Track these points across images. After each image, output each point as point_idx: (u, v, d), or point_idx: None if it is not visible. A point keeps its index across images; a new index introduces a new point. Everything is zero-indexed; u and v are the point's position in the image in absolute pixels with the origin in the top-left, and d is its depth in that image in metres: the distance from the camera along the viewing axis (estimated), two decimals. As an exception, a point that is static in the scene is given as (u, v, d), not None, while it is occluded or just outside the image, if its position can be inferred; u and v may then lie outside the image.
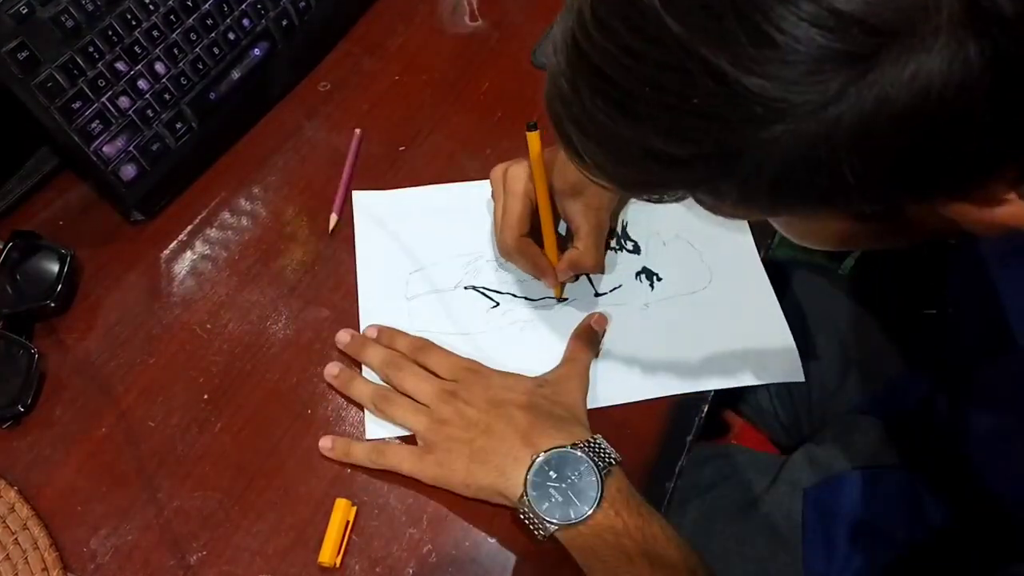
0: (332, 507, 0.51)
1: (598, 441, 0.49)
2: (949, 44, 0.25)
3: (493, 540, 0.51)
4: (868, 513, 0.60)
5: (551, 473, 0.48)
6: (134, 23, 0.62)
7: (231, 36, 0.67)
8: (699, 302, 0.61)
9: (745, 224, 0.64)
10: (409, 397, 0.54)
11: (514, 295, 0.61)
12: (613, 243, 0.64)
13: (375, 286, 0.62)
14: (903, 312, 0.71)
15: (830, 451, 0.65)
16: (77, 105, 0.59)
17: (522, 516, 0.48)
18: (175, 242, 0.65)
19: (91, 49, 0.60)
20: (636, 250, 0.63)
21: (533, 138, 0.54)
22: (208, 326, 0.60)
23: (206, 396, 0.57)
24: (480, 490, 0.51)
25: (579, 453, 0.48)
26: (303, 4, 0.72)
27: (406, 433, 0.55)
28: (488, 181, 0.62)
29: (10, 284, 0.59)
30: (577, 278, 0.62)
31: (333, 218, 0.65)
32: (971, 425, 0.52)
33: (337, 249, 0.64)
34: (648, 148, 0.30)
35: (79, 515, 0.52)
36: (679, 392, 0.57)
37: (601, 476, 0.47)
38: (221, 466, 0.54)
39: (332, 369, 0.57)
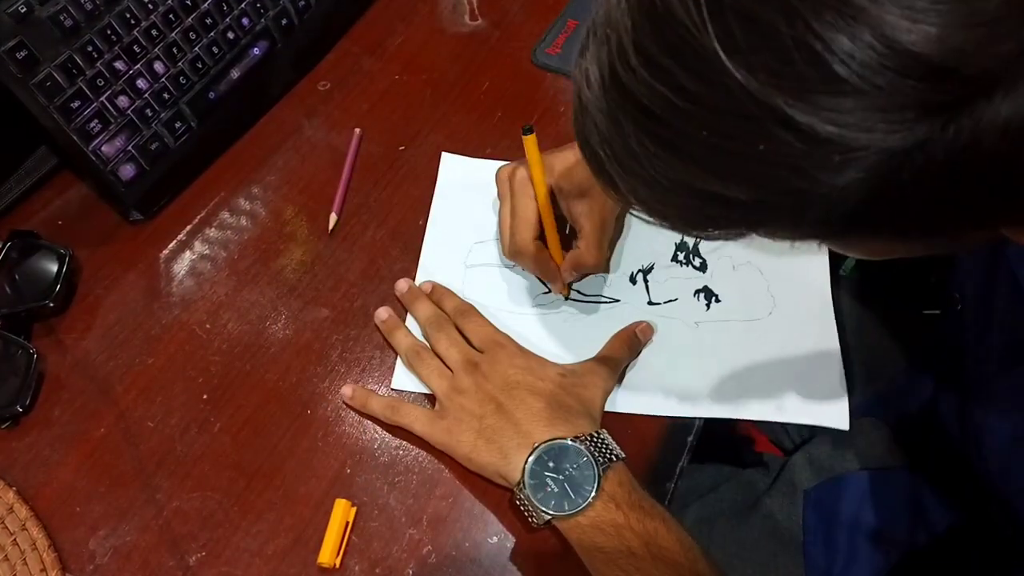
0: (332, 508, 0.51)
1: (601, 436, 0.50)
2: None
3: (493, 540, 0.51)
4: (869, 515, 0.60)
5: (549, 463, 0.48)
6: (133, 22, 0.62)
7: (230, 35, 0.67)
8: (754, 330, 0.59)
9: (823, 254, 0.63)
10: (440, 360, 0.56)
11: (570, 287, 0.61)
12: (681, 256, 0.63)
13: (439, 246, 0.64)
14: (905, 312, 0.71)
15: (831, 452, 0.65)
16: (76, 104, 0.59)
17: (518, 502, 0.49)
18: (174, 242, 0.65)
19: (90, 48, 0.60)
20: (702, 268, 0.62)
21: (530, 142, 0.54)
22: (207, 326, 0.60)
23: (205, 396, 0.57)
24: (481, 467, 0.51)
25: (579, 446, 0.48)
26: (303, 3, 0.72)
27: (428, 391, 0.56)
28: None
29: (9, 284, 0.59)
30: (582, 278, 0.62)
31: (333, 218, 0.65)
32: (989, 430, 0.52)
33: (337, 249, 0.64)
34: (704, 191, 0.29)
35: (78, 516, 0.52)
36: (705, 416, 0.56)
37: (599, 470, 0.48)
38: (220, 466, 0.54)
39: (382, 313, 0.59)
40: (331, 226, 0.65)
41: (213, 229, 0.66)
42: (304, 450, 0.55)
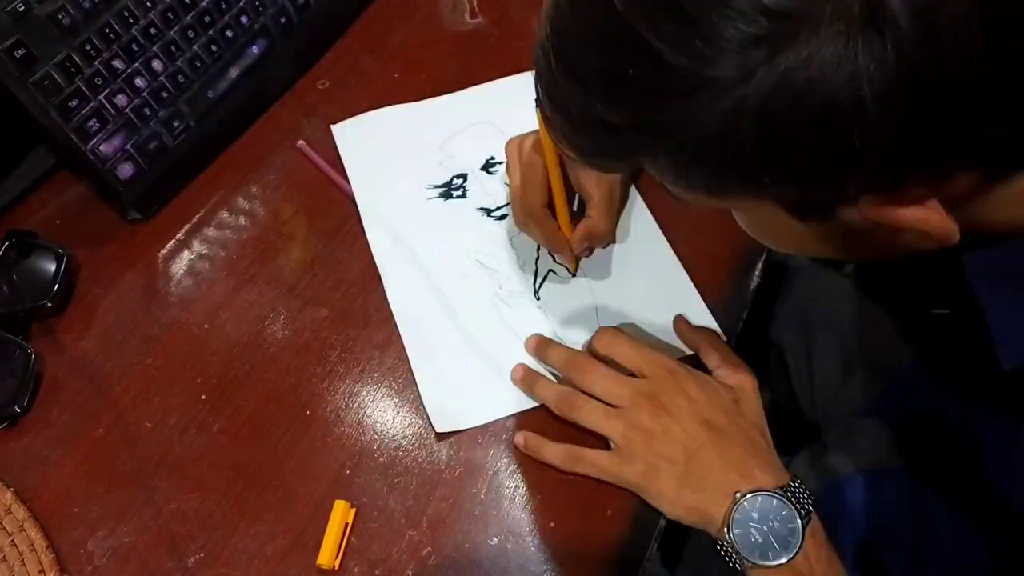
0: (331, 509, 0.51)
1: (798, 485, 0.49)
2: (840, 37, 0.27)
3: (494, 542, 0.51)
4: (873, 518, 0.60)
5: (754, 515, 0.48)
6: (131, 20, 0.62)
7: (229, 33, 0.67)
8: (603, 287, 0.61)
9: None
10: (598, 399, 0.53)
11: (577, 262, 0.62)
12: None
13: (381, 209, 0.65)
14: (909, 311, 0.70)
15: (833, 454, 0.65)
16: (74, 103, 0.59)
17: (718, 546, 0.49)
18: (173, 241, 0.65)
19: (88, 47, 0.60)
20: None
21: (540, 113, 0.55)
22: (206, 326, 0.60)
23: (204, 397, 0.57)
24: (685, 511, 0.50)
25: (784, 501, 0.48)
26: (302, 1, 0.72)
27: (471, 425, 0.55)
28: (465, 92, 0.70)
29: (7, 284, 0.59)
30: (591, 253, 0.62)
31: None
32: (990, 433, 0.52)
33: (336, 248, 0.64)
34: (594, 114, 0.33)
35: (76, 516, 0.52)
36: None
37: (803, 524, 0.47)
38: (219, 467, 0.54)
39: (517, 372, 0.56)
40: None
41: (212, 228, 0.66)
42: (303, 451, 0.55)
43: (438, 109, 0.71)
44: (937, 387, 0.63)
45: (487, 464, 0.54)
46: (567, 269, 0.62)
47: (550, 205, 0.60)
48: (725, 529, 0.48)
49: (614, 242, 0.62)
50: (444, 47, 0.77)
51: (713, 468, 0.50)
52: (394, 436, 0.55)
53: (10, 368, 0.56)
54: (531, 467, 0.54)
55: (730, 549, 0.48)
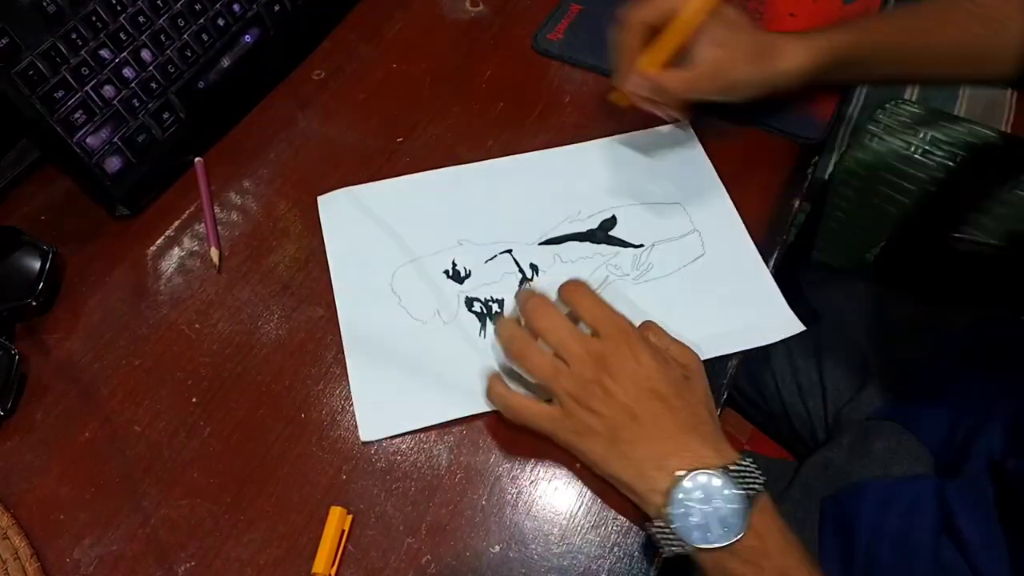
0: (326, 515, 0.51)
1: (746, 464, 0.48)
2: None
3: (495, 550, 0.51)
4: (890, 525, 0.60)
5: (695, 492, 0.47)
6: (119, 8, 0.61)
7: (220, 22, 0.67)
8: (685, 276, 0.61)
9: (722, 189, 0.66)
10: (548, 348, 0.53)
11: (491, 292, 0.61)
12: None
13: (354, 290, 0.62)
14: (927, 311, 0.70)
15: (847, 457, 0.65)
16: (59, 94, 0.59)
17: (655, 529, 0.48)
18: (162, 238, 0.65)
19: (74, 36, 0.59)
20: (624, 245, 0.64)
21: None
22: (196, 326, 0.60)
23: (194, 399, 0.57)
24: (611, 478, 0.51)
25: (727, 479, 0.47)
26: (296, -11, 0.72)
27: (401, 432, 0.55)
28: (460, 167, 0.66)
29: (-10, 282, 0.59)
30: (646, 101, 0.61)
31: (214, 253, 0.63)
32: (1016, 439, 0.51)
33: (332, 245, 0.64)
34: None
35: (62, 524, 0.52)
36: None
37: (749, 504, 0.47)
38: (210, 473, 0.54)
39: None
40: (216, 262, 0.63)
41: (203, 225, 0.65)
42: (298, 455, 0.55)
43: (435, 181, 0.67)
44: (959, 388, 0.63)
45: (489, 469, 0.54)
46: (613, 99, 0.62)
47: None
48: (665, 510, 0.47)
49: (682, 119, 0.62)
50: (443, 36, 0.77)
51: (650, 437, 0.49)
52: (392, 440, 0.55)
53: (-7, 369, 0.56)
54: (534, 472, 0.54)
55: (666, 530, 0.47)
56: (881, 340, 0.70)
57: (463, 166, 0.67)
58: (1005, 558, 0.55)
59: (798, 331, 0.58)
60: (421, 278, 0.62)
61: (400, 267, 0.62)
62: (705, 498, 0.47)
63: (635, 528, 0.52)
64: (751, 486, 0.47)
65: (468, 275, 0.62)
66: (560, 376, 0.51)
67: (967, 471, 0.59)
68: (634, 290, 0.61)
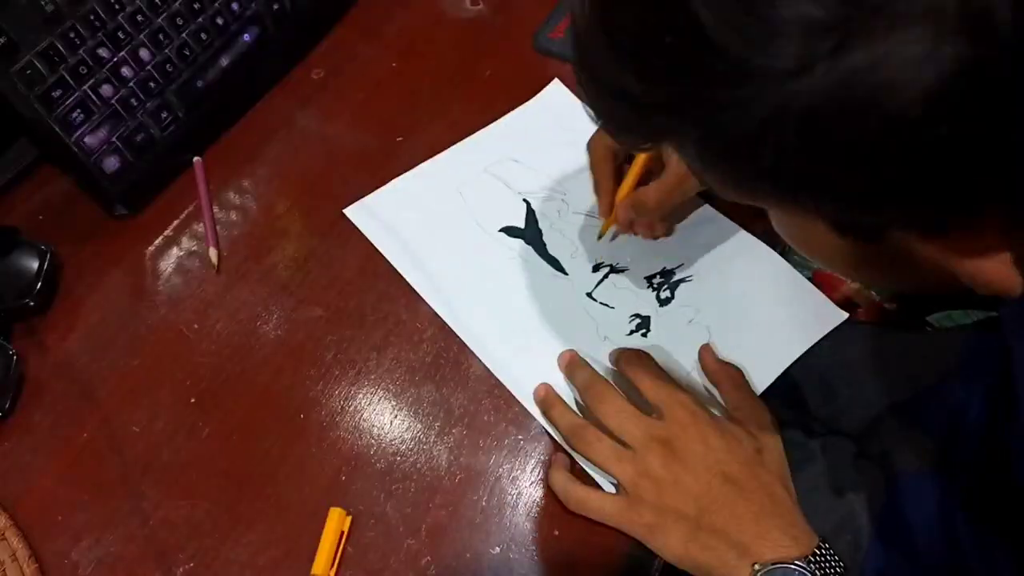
0: (326, 517, 0.51)
1: (824, 551, 0.47)
2: (925, 37, 0.24)
3: (496, 551, 0.51)
4: (895, 520, 0.59)
5: None
6: (117, 7, 0.61)
7: (219, 21, 0.67)
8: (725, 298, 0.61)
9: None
10: (611, 435, 0.52)
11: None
12: (654, 282, 0.62)
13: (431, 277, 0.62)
14: (930, 312, 0.70)
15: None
16: (57, 94, 0.59)
17: None
18: (160, 238, 0.65)
19: (72, 35, 0.59)
20: (661, 302, 0.62)
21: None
22: (195, 326, 0.60)
23: (193, 400, 0.57)
24: (694, 568, 0.49)
25: (807, 572, 0.46)
26: (295, -13, 0.72)
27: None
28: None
29: (-13, 282, 0.59)
30: (631, 228, 0.61)
31: (213, 253, 0.63)
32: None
33: (331, 245, 0.64)
34: (620, 81, 0.31)
35: (60, 525, 0.52)
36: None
37: None
38: (209, 474, 0.54)
39: (540, 390, 0.56)
40: (215, 262, 0.63)
41: (201, 225, 0.65)
42: (297, 456, 0.54)
43: (449, 162, 0.68)
44: (963, 387, 0.62)
45: (489, 470, 0.54)
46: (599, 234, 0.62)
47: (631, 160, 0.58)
48: None
49: (662, 235, 0.61)
50: (443, 35, 0.77)
51: (727, 527, 0.48)
52: (392, 441, 0.55)
53: (-9, 370, 0.56)
54: (535, 473, 0.54)
55: None
56: (882, 339, 0.70)
57: (473, 136, 0.69)
58: (1005, 562, 0.55)
59: (843, 319, 0.58)
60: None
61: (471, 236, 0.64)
62: None
63: (636, 529, 0.51)
64: (830, 573, 0.46)
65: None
66: (624, 463, 0.50)
67: (967, 468, 0.58)
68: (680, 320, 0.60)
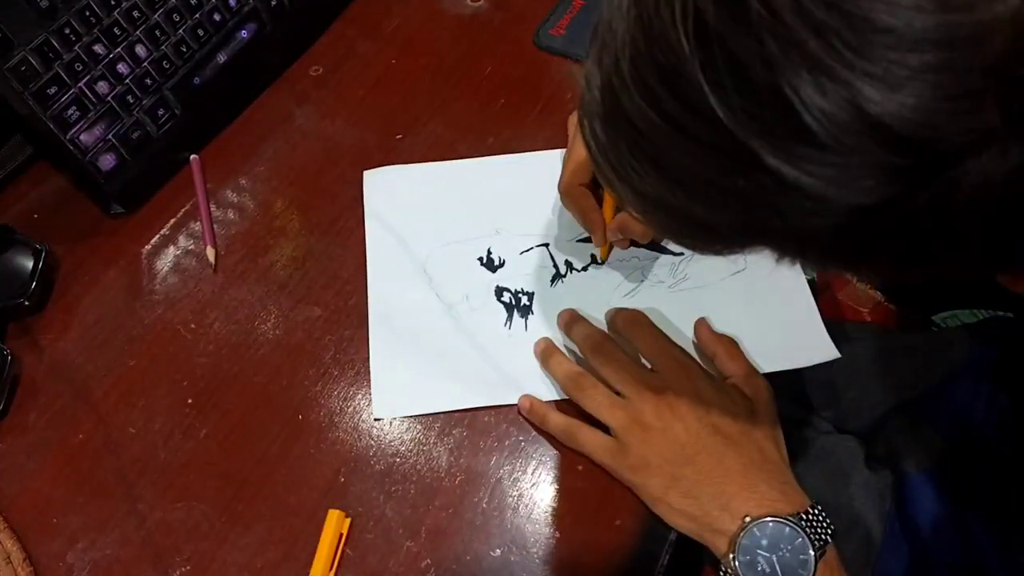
0: (324, 519, 0.51)
1: (815, 513, 0.47)
2: (995, 158, 0.25)
3: (496, 554, 0.51)
4: (901, 520, 0.59)
5: (763, 541, 0.46)
6: (113, 3, 0.61)
7: (216, 17, 0.67)
8: (723, 289, 0.61)
9: None
10: (607, 385, 0.53)
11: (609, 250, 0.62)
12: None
13: (389, 268, 0.62)
14: (939, 311, 0.70)
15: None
16: (52, 91, 0.59)
17: (721, 572, 0.47)
18: (157, 236, 0.65)
19: (67, 31, 0.59)
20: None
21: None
22: (192, 326, 0.60)
23: (190, 400, 0.57)
24: (672, 516, 0.49)
25: (797, 530, 0.46)
26: (293, -17, 0.71)
27: (413, 413, 0.55)
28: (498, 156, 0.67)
29: (-19, 281, 0.59)
30: (628, 244, 0.61)
31: (210, 252, 0.63)
32: None
33: (330, 244, 0.64)
34: (686, 212, 0.31)
35: (55, 527, 0.52)
36: None
37: (816, 556, 0.46)
38: (206, 475, 0.54)
39: (540, 343, 0.57)
40: (212, 262, 0.63)
41: (198, 223, 0.65)
42: (295, 457, 0.54)
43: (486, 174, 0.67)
44: (971, 388, 0.62)
45: (489, 471, 0.54)
46: (596, 258, 0.62)
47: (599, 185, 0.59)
48: (731, 555, 0.46)
49: (648, 240, 0.61)
50: (443, 31, 0.77)
51: (712, 475, 0.49)
52: (391, 442, 0.55)
53: (-15, 370, 0.56)
54: (536, 475, 0.53)
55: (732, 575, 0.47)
56: (888, 337, 0.70)
57: (508, 155, 0.68)
58: (1015, 562, 0.55)
59: (832, 357, 0.57)
60: (455, 262, 0.62)
61: (436, 249, 0.63)
62: (771, 546, 0.46)
63: (639, 531, 0.51)
64: (821, 536, 0.46)
65: (502, 264, 0.62)
66: (617, 410, 0.51)
67: (974, 468, 0.58)
68: (667, 298, 0.60)
